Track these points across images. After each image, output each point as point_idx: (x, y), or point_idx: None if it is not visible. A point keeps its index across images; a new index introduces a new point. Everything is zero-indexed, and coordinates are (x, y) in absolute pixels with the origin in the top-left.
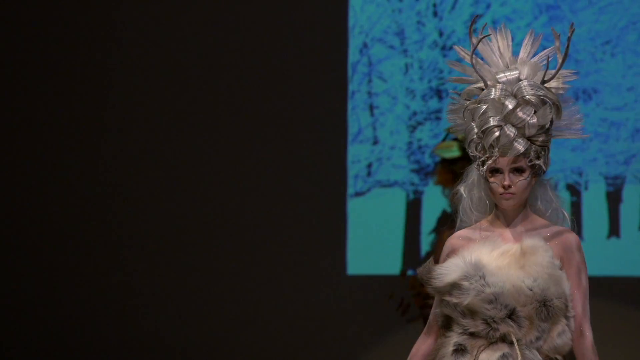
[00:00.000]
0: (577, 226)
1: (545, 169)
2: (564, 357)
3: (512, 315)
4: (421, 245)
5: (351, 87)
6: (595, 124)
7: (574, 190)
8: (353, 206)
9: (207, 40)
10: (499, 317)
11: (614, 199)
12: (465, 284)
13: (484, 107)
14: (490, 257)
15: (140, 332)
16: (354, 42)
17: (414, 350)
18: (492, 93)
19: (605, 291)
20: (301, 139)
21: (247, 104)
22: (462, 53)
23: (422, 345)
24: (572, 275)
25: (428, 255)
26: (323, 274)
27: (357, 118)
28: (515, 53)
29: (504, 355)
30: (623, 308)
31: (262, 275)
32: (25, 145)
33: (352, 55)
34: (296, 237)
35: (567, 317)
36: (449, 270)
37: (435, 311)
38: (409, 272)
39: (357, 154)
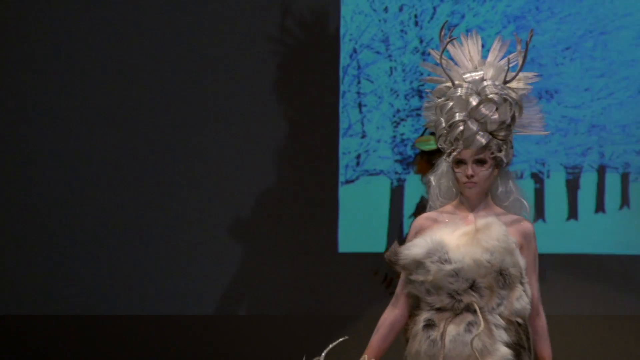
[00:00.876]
0: (540, 210)
1: (506, 161)
2: (525, 321)
3: (473, 286)
4: (404, 227)
5: (342, 87)
6: (557, 120)
7: (538, 178)
8: (344, 192)
9: (211, 44)
10: (462, 289)
11: (572, 186)
12: (429, 262)
13: (451, 103)
14: (452, 237)
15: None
16: (345, 48)
17: (381, 320)
18: (458, 91)
19: (565, 267)
20: (299, 133)
21: (254, 103)
22: (436, 55)
23: (389, 315)
24: (530, 260)
25: (407, 235)
26: (317, 251)
27: (347, 115)
28: (485, 57)
29: (469, 324)
30: (580, 281)
31: (264, 252)
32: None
33: (343, 59)
34: (294, 219)
35: (522, 284)
36: (414, 249)
37: (400, 288)
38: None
39: (347, 146)
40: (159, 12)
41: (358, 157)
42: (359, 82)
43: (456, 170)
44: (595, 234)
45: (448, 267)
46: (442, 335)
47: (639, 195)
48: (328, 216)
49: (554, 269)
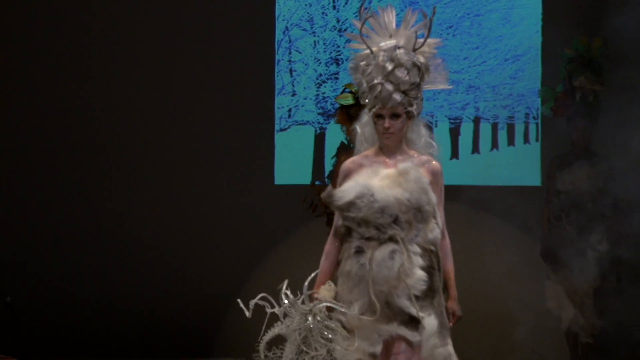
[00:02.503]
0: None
1: (417, 112)
2: (436, 248)
3: (396, 221)
4: (325, 165)
5: (277, 57)
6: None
7: (428, 127)
8: (279, 138)
9: (174, 23)
10: (386, 223)
11: (454, 133)
12: (359, 201)
13: (370, 68)
14: (376, 181)
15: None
16: (279, 26)
17: (326, 249)
18: (377, 57)
19: (447, 196)
20: (244, 92)
21: (208, 69)
22: (358, 25)
23: (332, 246)
24: (438, 193)
25: (330, 173)
26: (258, 184)
27: (281, 78)
28: (398, 26)
29: (393, 251)
30: (461, 207)
31: (220, 186)
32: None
33: (278, 35)
34: (240, 159)
35: (434, 218)
36: (346, 192)
37: (337, 222)
38: (317, 183)
39: (281, 102)
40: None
41: (289, 110)
42: (290, 53)
43: (376, 122)
44: (472, 170)
45: (376, 205)
46: (370, 260)
47: (504, 140)
48: (266, 157)
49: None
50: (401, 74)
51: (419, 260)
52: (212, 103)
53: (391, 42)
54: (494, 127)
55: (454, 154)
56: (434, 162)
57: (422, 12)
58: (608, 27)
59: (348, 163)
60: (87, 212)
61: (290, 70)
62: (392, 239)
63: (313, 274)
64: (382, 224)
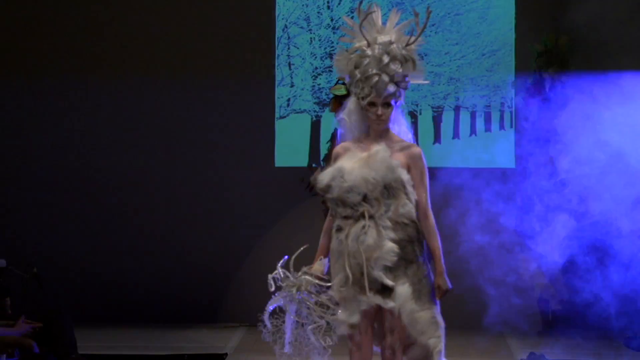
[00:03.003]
0: (415, 136)
1: (399, 102)
2: (411, 221)
3: (365, 199)
4: (320, 149)
5: (277, 52)
6: (426, 74)
7: (413, 115)
8: (278, 125)
9: (182, 19)
10: (357, 201)
11: (436, 120)
12: (333, 183)
13: (366, 60)
14: (349, 163)
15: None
16: (279, 25)
17: (325, 227)
18: (373, 51)
19: (431, 177)
20: (247, 84)
21: (216, 66)
22: (350, 22)
23: (329, 224)
24: (417, 176)
25: (325, 156)
26: (260, 166)
27: (280, 71)
28: (384, 24)
29: (364, 226)
30: (442, 187)
31: (220, 170)
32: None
33: (278, 32)
34: (243, 144)
35: (406, 194)
36: (324, 176)
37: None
38: (313, 165)
39: (280, 93)
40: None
41: (288, 100)
42: (288, 48)
43: (369, 110)
44: (453, 154)
45: (345, 185)
46: (347, 236)
47: (482, 126)
48: (267, 142)
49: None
50: (395, 67)
51: (389, 234)
52: (219, 94)
53: (386, 37)
54: (473, 115)
55: (437, 139)
56: (414, 148)
57: (414, 11)
58: (572, 25)
59: (338, 148)
60: (106, 192)
61: (289, 64)
62: (363, 216)
63: (300, 250)
64: (353, 202)
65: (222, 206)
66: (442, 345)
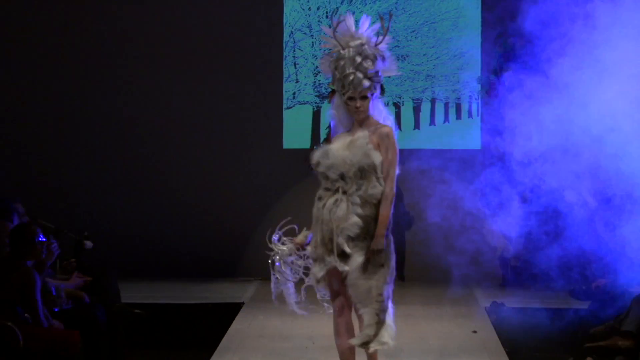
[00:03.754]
0: (398, 124)
1: (377, 94)
2: (378, 202)
3: (342, 177)
4: (320, 134)
5: (285, 53)
6: (408, 72)
7: (397, 106)
8: (286, 114)
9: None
10: (335, 178)
11: (416, 110)
12: (320, 160)
13: (342, 62)
14: (336, 146)
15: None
16: (286, 31)
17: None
18: (347, 53)
19: (414, 158)
20: (259, 80)
21: (234, 65)
22: (328, 31)
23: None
24: (383, 152)
25: (324, 140)
26: (271, 148)
27: (287, 69)
28: (357, 29)
29: (336, 200)
30: (422, 167)
31: (236, 151)
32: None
33: (285, 37)
34: (256, 130)
35: (377, 178)
36: (316, 155)
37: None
38: (314, 147)
39: (287, 88)
40: None
41: (294, 94)
42: (294, 50)
43: (349, 104)
44: (430, 137)
45: (327, 163)
46: (324, 205)
47: (453, 115)
48: (276, 128)
49: (407, 159)
50: (367, 64)
51: (357, 209)
52: (237, 88)
53: (358, 41)
54: (446, 106)
55: (416, 125)
56: (383, 128)
57: (379, 16)
58: (525, 31)
59: (332, 139)
60: (145, 164)
61: (295, 64)
62: (338, 191)
63: (282, 222)
64: (332, 179)
65: (241, 180)
66: (373, 320)
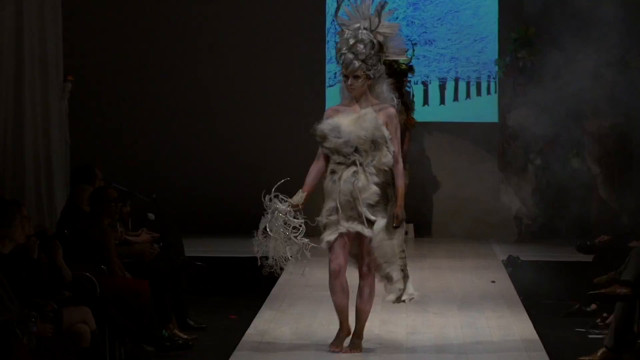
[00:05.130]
0: (426, 99)
1: (375, 76)
2: (390, 169)
3: (356, 150)
4: None
5: (327, 38)
6: (435, 55)
7: (425, 84)
8: (328, 91)
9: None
10: (350, 152)
11: (442, 88)
12: (330, 136)
13: (340, 43)
14: (344, 121)
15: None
16: (329, 18)
17: (311, 169)
18: (344, 35)
19: (440, 130)
20: (306, 62)
21: (287, 50)
22: (337, 14)
23: (315, 166)
24: (392, 131)
25: None
26: (317, 119)
27: (329, 52)
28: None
29: (354, 172)
30: (447, 137)
31: (285, 124)
32: None
33: (327, 24)
34: (303, 106)
35: (387, 147)
36: (322, 128)
37: (319, 149)
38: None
39: (330, 68)
40: None
41: (335, 74)
42: (335, 35)
43: (344, 81)
44: (454, 112)
45: (341, 140)
46: (339, 178)
47: (474, 92)
48: (320, 104)
49: (435, 131)
50: (360, 47)
51: (374, 178)
52: (290, 70)
53: (356, 24)
54: (468, 84)
55: (442, 101)
56: (390, 109)
57: (380, 3)
58: (537, 18)
59: (329, 110)
60: (204, 133)
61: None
62: (354, 163)
63: (280, 182)
64: (347, 153)
65: (291, 147)
66: (399, 275)
